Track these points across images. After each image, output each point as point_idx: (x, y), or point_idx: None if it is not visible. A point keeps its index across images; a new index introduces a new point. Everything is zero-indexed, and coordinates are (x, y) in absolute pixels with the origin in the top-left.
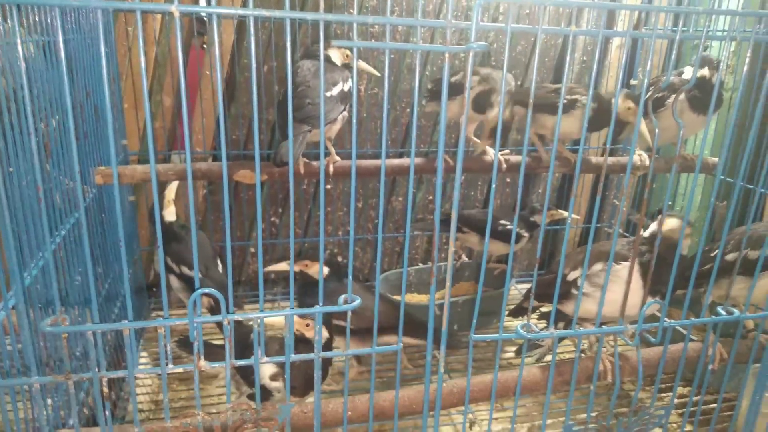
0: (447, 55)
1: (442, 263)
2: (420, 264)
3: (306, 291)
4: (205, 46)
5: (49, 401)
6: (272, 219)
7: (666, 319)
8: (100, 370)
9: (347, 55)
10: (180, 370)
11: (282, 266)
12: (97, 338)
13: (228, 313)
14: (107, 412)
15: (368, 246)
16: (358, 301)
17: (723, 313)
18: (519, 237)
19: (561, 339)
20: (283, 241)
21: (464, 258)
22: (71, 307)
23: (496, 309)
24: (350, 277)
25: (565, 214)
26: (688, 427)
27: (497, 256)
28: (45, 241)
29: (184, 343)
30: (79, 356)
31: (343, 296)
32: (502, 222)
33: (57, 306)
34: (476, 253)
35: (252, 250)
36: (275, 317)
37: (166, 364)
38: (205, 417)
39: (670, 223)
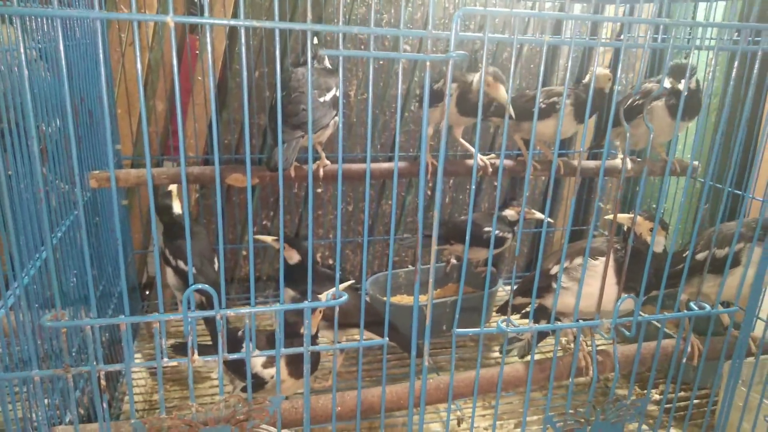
0: (428, 64)
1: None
2: (410, 266)
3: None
4: (197, 51)
5: (46, 401)
6: (264, 222)
7: (640, 313)
8: (97, 363)
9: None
10: (175, 363)
11: (268, 239)
12: (95, 333)
13: (221, 308)
14: (104, 404)
15: (359, 249)
16: (345, 297)
17: (695, 308)
18: (503, 240)
19: (542, 337)
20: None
21: (453, 261)
22: (67, 308)
23: (482, 308)
24: (338, 275)
25: (539, 215)
26: (667, 420)
27: (484, 260)
28: (44, 240)
29: (179, 348)
30: (74, 355)
31: (331, 292)
32: (486, 229)
33: (57, 301)
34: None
35: (244, 252)
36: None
37: (162, 358)
38: (199, 409)
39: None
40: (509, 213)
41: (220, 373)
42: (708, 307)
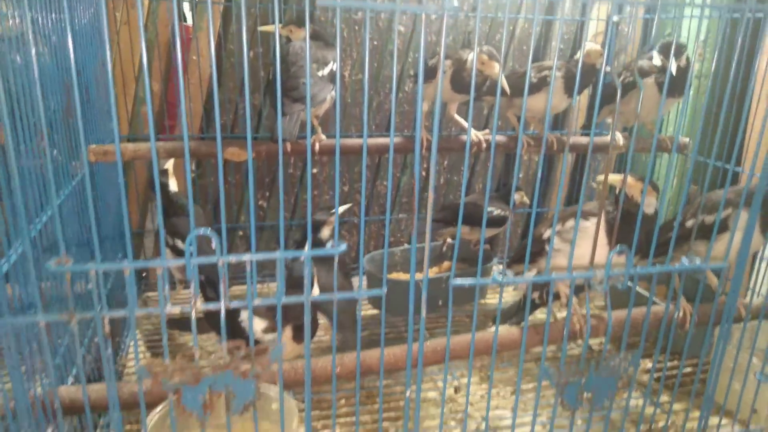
0: (423, 16)
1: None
2: (406, 245)
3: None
4: (190, 36)
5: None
6: (260, 203)
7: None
8: (102, 310)
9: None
10: (177, 310)
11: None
12: (99, 277)
13: (222, 255)
14: (109, 350)
15: (354, 229)
16: (344, 246)
17: (686, 263)
18: (504, 219)
19: (535, 308)
20: (271, 224)
21: (450, 240)
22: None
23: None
24: (337, 227)
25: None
26: (657, 387)
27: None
28: (47, 202)
29: (175, 323)
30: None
31: (330, 242)
32: (490, 209)
33: (61, 246)
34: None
35: (240, 233)
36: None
37: (165, 304)
38: (203, 356)
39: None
40: (515, 197)
41: (223, 320)
42: (698, 261)
